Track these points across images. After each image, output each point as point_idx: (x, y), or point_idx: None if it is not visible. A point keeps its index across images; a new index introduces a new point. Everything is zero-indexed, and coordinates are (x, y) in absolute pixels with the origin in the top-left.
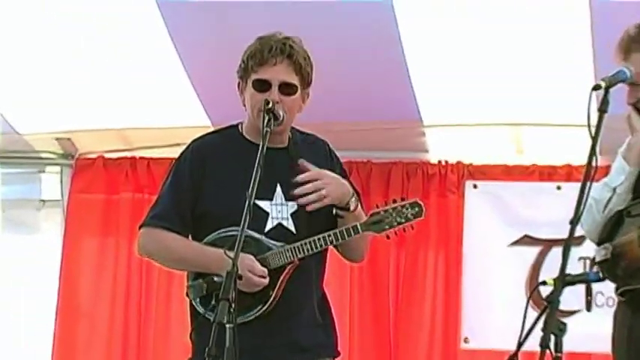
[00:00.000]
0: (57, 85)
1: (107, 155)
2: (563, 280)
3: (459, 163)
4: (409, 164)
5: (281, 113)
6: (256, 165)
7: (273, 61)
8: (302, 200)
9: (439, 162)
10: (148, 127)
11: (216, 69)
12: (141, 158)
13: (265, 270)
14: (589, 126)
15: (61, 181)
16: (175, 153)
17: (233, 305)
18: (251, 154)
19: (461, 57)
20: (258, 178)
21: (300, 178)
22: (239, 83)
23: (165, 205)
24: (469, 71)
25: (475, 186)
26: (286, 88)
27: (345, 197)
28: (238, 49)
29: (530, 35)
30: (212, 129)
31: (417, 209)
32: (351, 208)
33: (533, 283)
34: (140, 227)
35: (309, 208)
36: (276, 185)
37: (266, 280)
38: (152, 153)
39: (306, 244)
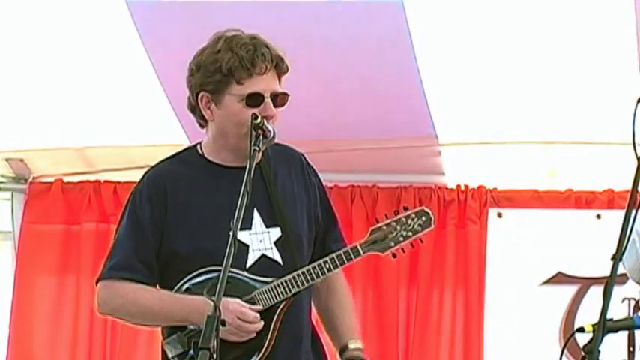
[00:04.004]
0: (6, 97)
1: (66, 179)
2: (604, 326)
3: (480, 187)
4: (422, 189)
5: (271, 129)
6: (242, 191)
7: (263, 69)
8: None
9: (457, 187)
10: (114, 146)
11: None
12: (106, 182)
13: (257, 313)
14: (634, 144)
15: (12, 209)
16: None
17: (215, 356)
18: (219, 179)
19: (483, 63)
20: (244, 207)
21: None
22: (202, 96)
23: (125, 252)
24: (493, 80)
25: (500, 215)
26: (277, 99)
27: None
28: None
29: (564, 38)
30: None
31: (424, 218)
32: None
33: (569, 330)
34: (97, 281)
35: None
36: (253, 210)
37: (260, 324)
38: (119, 176)
39: (299, 275)
